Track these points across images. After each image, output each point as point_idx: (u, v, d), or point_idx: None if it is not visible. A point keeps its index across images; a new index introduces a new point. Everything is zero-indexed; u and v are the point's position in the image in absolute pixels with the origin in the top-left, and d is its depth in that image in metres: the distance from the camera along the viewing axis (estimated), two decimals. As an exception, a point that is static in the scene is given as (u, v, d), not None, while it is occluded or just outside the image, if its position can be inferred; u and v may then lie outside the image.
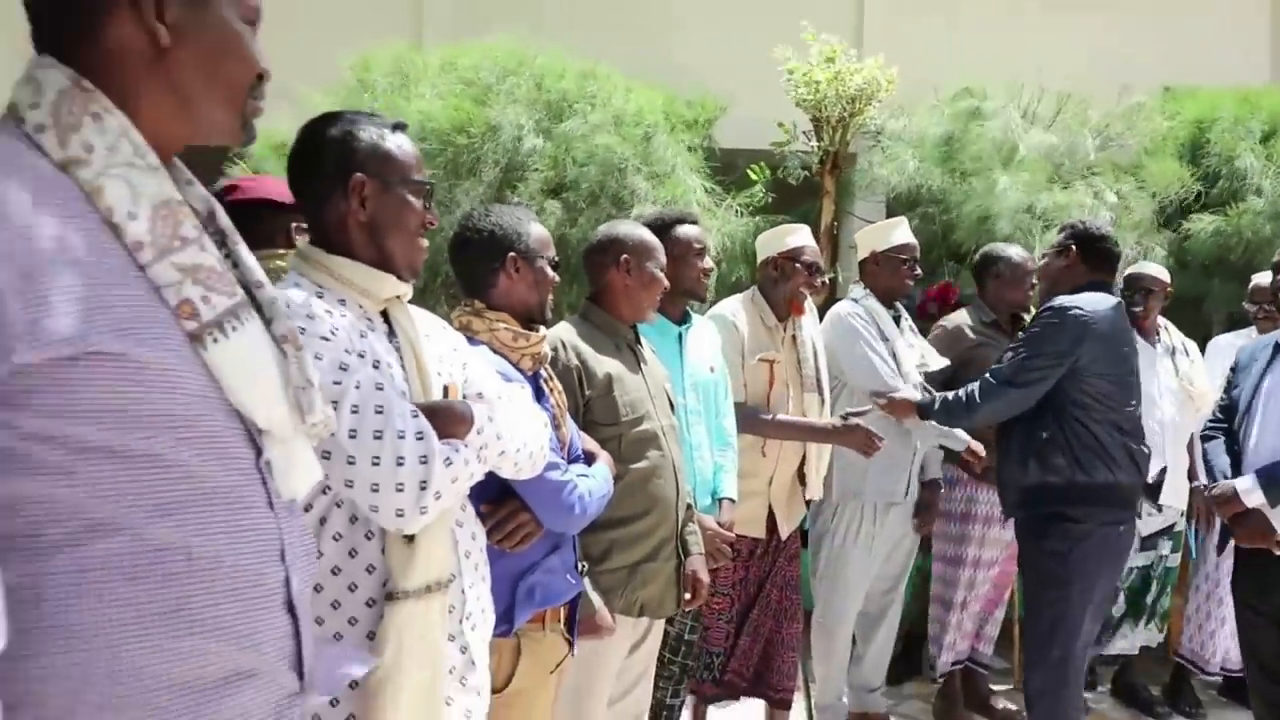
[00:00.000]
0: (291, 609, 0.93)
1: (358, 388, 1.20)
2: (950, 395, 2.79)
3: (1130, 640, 3.51)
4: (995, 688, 3.52)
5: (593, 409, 2.06)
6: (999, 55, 4.60)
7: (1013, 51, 4.66)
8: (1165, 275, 3.48)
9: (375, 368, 1.26)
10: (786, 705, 3.00)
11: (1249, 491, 2.43)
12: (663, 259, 2.26)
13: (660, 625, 2.40)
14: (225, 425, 0.90)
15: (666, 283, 2.27)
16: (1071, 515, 2.59)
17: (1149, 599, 3.48)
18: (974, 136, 4.35)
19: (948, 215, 4.31)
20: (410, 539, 1.27)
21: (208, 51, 0.93)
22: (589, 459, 1.91)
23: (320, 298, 1.28)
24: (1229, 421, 2.62)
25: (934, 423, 2.87)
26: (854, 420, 2.82)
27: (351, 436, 1.18)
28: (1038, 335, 2.62)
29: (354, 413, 1.19)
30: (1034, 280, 3.20)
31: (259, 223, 1.67)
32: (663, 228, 2.53)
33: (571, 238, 3.58)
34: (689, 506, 2.27)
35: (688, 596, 2.25)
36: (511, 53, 4.04)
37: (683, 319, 2.63)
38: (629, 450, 2.07)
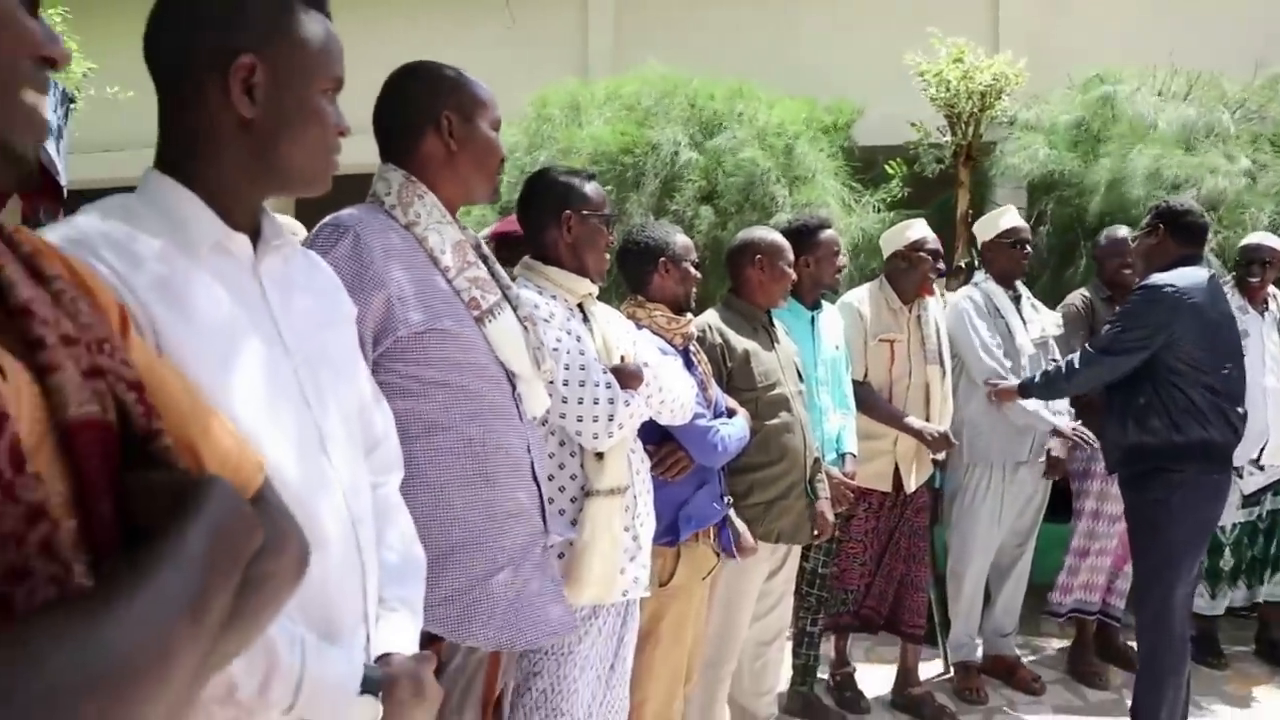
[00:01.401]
0: (535, 479, 1.55)
1: (569, 353, 1.83)
2: (1050, 368, 3.14)
3: (1248, 595, 3.68)
4: (1130, 643, 3.76)
5: (734, 377, 2.62)
6: (1132, 40, 4.77)
7: (1145, 35, 4.80)
8: None
9: (578, 341, 1.89)
10: (918, 640, 3.43)
11: None
12: (790, 257, 2.79)
13: (795, 557, 2.92)
14: (497, 371, 1.53)
15: (794, 276, 2.79)
16: (1170, 468, 2.82)
17: (1256, 552, 3.65)
18: (1108, 119, 4.55)
19: (1081, 198, 4.53)
20: (600, 456, 1.88)
21: (480, 156, 1.57)
22: (731, 415, 2.47)
23: (540, 294, 1.91)
24: None
25: (1033, 401, 3.23)
26: (942, 431, 3.21)
27: (565, 385, 1.81)
28: (1131, 310, 2.89)
29: (566, 369, 1.81)
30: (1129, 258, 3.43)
31: (511, 249, 2.37)
32: (806, 232, 3.05)
33: (723, 239, 4.13)
34: (816, 460, 2.78)
35: (815, 533, 2.77)
36: (667, 78, 4.64)
37: (815, 305, 3.14)
38: (764, 410, 2.62)
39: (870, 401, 3.23)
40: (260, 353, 1.01)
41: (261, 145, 1.04)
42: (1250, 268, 3.52)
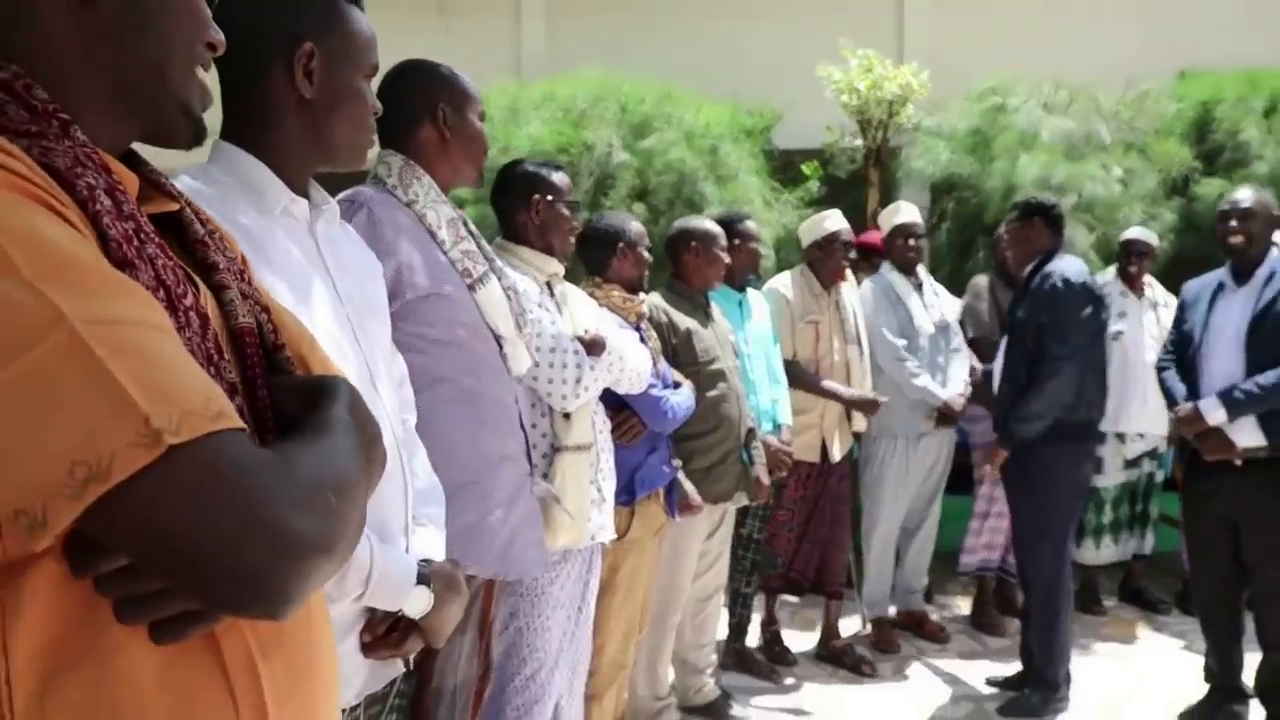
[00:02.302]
0: (523, 428, 1.77)
1: (541, 322, 2.05)
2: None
3: (1122, 548, 4.16)
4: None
5: (678, 352, 2.88)
6: (1021, 55, 5.23)
7: (1033, 52, 5.27)
8: (1154, 239, 4.11)
9: (549, 312, 2.11)
10: (839, 596, 3.75)
11: (1212, 410, 2.84)
12: (724, 243, 3.07)
13: (730, 519, 3.21)
14: (487, 332, 1.74)
15: (728, 259, 3.07)
16: (1063, 438, 3.13)
17: (1137, 510, 4.14)
18: (1000, 127, 5.00)
19: (978, 198, 4.97)
20: (568, 416, 2.12)
21: (466, 143, 1.78)
22: (677, 386, 2.73)
23: (514, 270, 2.13)
24: (1180, 353, 3.07)
25: (924, 378, 3.65)
26: (869, 397, 3.57)
27: (538, 350, 2.03)
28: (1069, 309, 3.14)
29: (539, 337, 2.03)
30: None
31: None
32: (729, 223, 3.34)
33: (655, 233, 4.38)
34: (750, 429, 3.06)
35: (753, 497, 3.05)
36: (600, 82, 4.88)
37: (741, 289, 3.43)
38: (704, 382, 2.88)
39: (803, 378, 3.53)
40: (325, 298, 1.22)
41: (316, 121, 1.23)
42: (1130, 258, 3.99)
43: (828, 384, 3.55)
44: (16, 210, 0.61)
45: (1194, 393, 2.96)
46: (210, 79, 0.88)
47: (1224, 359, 2.91)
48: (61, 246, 0.62)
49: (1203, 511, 3.04)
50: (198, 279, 0.81)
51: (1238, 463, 2.86)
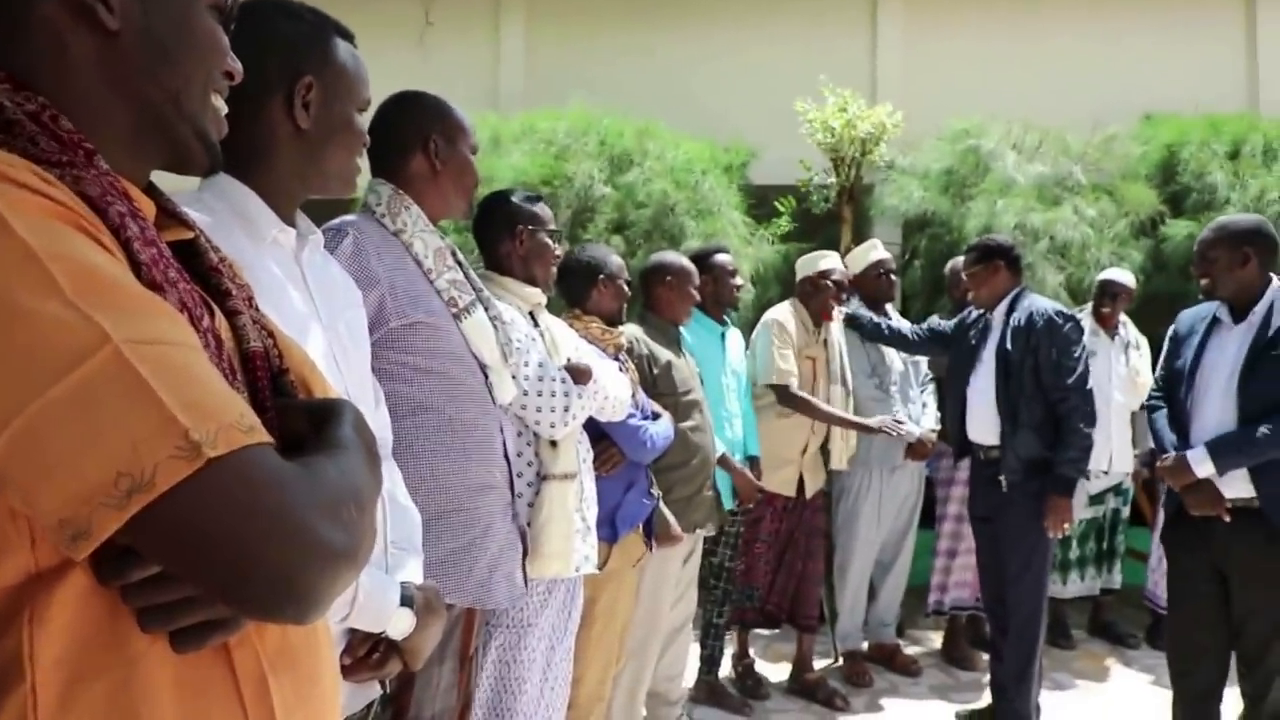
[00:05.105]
0: (506, 458, 1.78)
1: (529, 351, 2.06)
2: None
3: (1091, 583, 4.21)
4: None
5: (658, 383, 2.90)
6: (993, 96, 5.37)
7: (1003, 94, 5.41)
8: (1131, 280, 4.19)
9: (534, 341, 2.12)
10: (812, 630, 3.76)
11: (1200, 462, 2.59)
12: (696, 279, 3.11)
13: (700, 545, 3.22)
14: (472, 361, 1.75)
15: (698, 296, 3.10)
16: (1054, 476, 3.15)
17: (1104, 545, 4.20)
18: (974, 169, 5.11)
19: (950, 235, 5.06)
20: (554, 444, 2.12)
21: (457, 174, 1.80)
22: (656, 417, 2.74)
23: (499, 299, 2.14)
24: (1171, 392, 2.81)
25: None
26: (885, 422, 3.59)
27: (526, 379, 2.04)
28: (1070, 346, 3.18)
29: (527, 365, 2.04)
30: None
31: None
32: (705, 256, 3.38)
33: (633, 267, 4.41)
34: (721, 456, 3.09)
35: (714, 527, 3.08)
36: (581, 116, 4.93)
37: (723, 321, 3.46)
38: (681, 412, 2.90)
39: (808, 403, 3.52)
40: (311, 326, 1.22)
41: (311, 151, 1.26)
42: (1103, 299, 4.07)
43: (829, 409, 3.55)
44: (61, 236, 0.64)
45: (1182, 437, 2.72)
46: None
47: (1216, 402, 2.67)
48: (102, 269, 0.65)
49: (1188, 562, 2.79)
50: (212, 304, 0.84)
51: (1227, 518, 2.63)
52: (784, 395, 3.51)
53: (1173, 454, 2.68)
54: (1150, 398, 2.96)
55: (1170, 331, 2.93)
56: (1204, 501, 2.65)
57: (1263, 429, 2.54)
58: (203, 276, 0.86)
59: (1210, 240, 2.74)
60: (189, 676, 0.70)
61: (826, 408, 3.57)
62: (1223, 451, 2.58)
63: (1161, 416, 2.84)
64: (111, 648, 0.66)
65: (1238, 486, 2.63)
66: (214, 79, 0.86)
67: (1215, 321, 2.75)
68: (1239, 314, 2.71)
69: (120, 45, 0.77)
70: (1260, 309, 2.65)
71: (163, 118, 0.81)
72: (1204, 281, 2.75)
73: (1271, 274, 2.72)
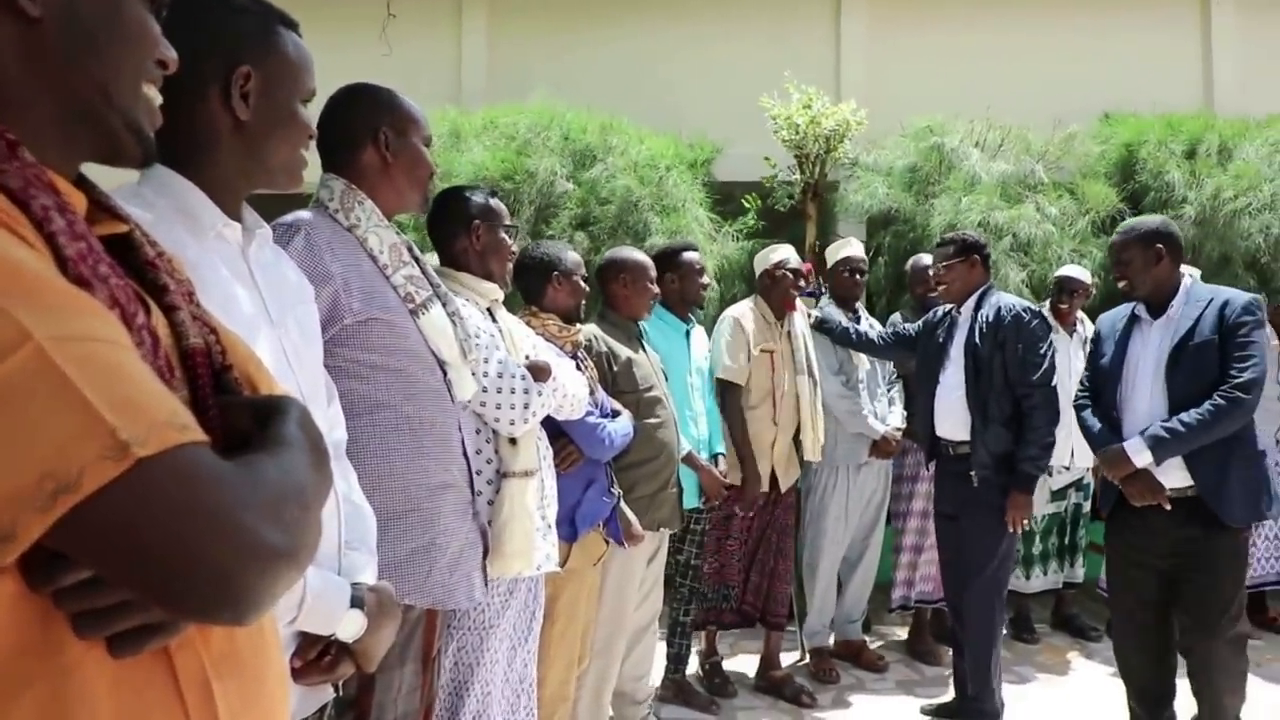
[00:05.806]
0: (465, 456, 1.74)
1: (488, 348, 2.02)
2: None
3: (1053, 577, 4.26)
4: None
5: (618, 380, 2.87)
6: (956, 94, 5.41)
7: (965, 92, 5.45)
8: (1088, 277, 4.24)
9: (493, 337, 2.08)
10: (780, 628, 3.75)
11: (1138, 452, 2.67)
12: (653, 274, 3.07)
13: (666, 543, 3.19)
14: (429, 358, 1.72)
15: (657, 290, 3.08)
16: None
17: (1065, 540, 4.25)
18: (938, 166, 5.14)
19: (915, 232, 5.09)
20: (514, 441, 2.08)
21: (409, 167, 1.75)
22: (615, 415, 2.71)
23: (456, 295, 2.10)
24: (1097, 389, 2.90)
25: (868, 414, 3.71)
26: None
27: (485, 376, 2.00)
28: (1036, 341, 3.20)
29: (486, 362, 2.01)
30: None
31: None
32: (672, 254, 3.36)
33: (595, 263, 4.39)
34: (687, 454, 3.07)
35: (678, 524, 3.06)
36: (544, 111, 4.88)
37: (687, 319, 3.44)
38: (644, 409, 2.88)
39: (735, 410, 3.51)
40: (258, 322, 1.18)
41: (252, 144, 1.22)
42: (1060, 295, 4.11)
43: (741, 432, 3.50)
44: None
45: (1116, 431, 2.81)
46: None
47: (1145, 395, 2.77)
48: (24, 265, 0.62)
49: (1129, 555, 2.87)
50: (149, 300, 0.80)
51: (1168, 507, 2.71)
52: (722, 392, 3.50)
53: (1112, 446, 2.75)
54: (1077, 397, 3.02)
55: (1092, 333, 3.06)
56: (1144, 491, 2.73)
57: (1194, 414, 2.63)
58: (138, 271, 0.83)
59: (1122, 243, 2.86)
60: (128, 682, 0.68)
61: (741, 431, 3.49)
62: (1158, 439, 2.66)
63: (1089, 414, 2.93)
64: (44, 655, 0.64)
65: (1175, 477, 2.71)
66: (146, 69, 0.83)
67: (1135, 319, 2.87)
68: (1157, 310, 2.83)
69: (43, 33, 0.74)
70: (1178, 303, 2.78)
71: (91, 108, 0.78)
72: (1122, 284, 2.87)
73: (1182, 269, 2.86)
